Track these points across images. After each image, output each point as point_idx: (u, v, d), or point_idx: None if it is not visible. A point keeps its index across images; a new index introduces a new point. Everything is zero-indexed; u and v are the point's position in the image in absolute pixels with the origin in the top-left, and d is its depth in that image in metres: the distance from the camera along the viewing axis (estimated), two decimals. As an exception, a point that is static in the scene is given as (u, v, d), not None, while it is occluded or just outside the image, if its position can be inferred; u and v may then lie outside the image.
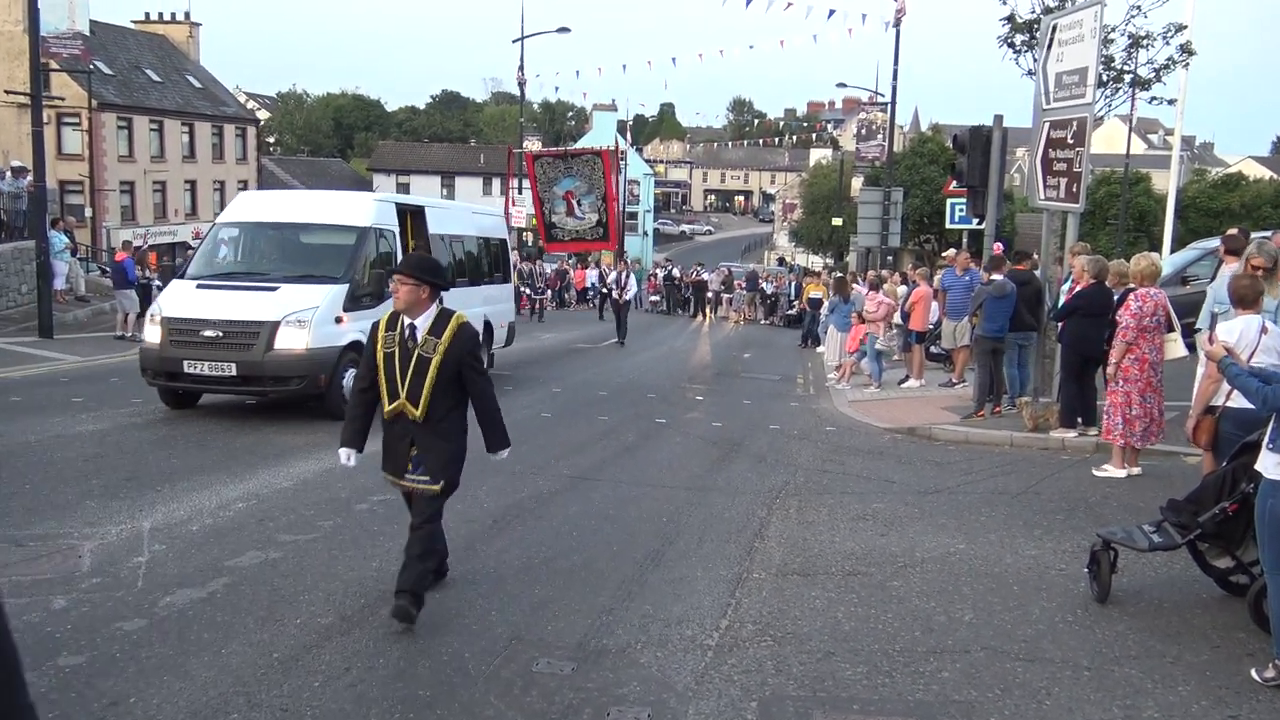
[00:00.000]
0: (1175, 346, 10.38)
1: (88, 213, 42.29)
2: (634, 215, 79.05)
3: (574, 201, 22.63)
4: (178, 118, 50.89)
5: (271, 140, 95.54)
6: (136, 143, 47.80)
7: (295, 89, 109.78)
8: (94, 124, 44.17)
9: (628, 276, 26.87)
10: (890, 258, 33.09)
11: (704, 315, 38.08)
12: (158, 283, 24.63)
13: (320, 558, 7.18)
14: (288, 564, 7.02)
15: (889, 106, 36.63)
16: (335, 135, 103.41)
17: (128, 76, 49.17)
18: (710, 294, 41.00)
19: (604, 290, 36.12)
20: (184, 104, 52.04)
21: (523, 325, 29.80)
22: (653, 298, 41.83)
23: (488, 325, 16.67)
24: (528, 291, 35.07)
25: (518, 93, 45.77)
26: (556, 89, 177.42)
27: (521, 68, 42.38)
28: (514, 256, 40.93)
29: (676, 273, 34.08)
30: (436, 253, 14.78)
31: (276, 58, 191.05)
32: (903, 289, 20.15)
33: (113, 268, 25.20)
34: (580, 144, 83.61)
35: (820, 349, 24.90)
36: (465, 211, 18.07)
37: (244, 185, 55.72)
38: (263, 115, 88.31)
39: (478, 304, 16.13)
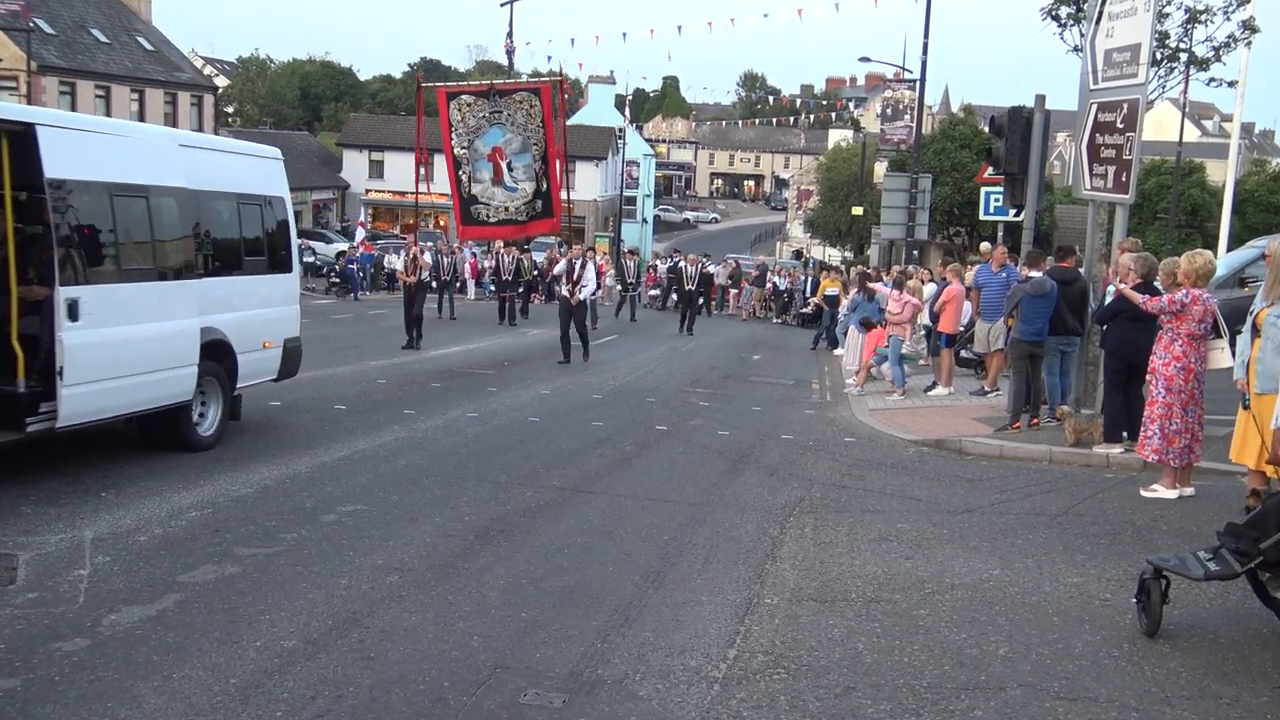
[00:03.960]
0: (1221, 355, 10.33)
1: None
2: (633, 200, 79.21)
3: (503, 163, 19.25)
4: (127, 83, 50.77)
5: (230, 110, 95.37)
6: (80, 111, 47.66)
7: (258, 54, 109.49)
8: (33, 89, 44.09)
9: (583, 266, 20.62)
10: (917, 252, 33.14)
11: (707, 313, 37.97)
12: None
13: (283, 574, 7.17)
14: (246, 580, 7.00)
15: (917, 84, 36.67)
16: (302, 106, 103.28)
17: (71, 36, 49.10)
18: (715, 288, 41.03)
19: (547, 285, 34.11)
20: (134, 68, 51.91)
21: (503, 324, 29.73)
22: (652, 291, 41.80)
23: (217, 348, 11.12)
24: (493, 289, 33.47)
25: (505, 62, 45.73)
26: (549, 58, 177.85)
27: (510, 34, 42.47)
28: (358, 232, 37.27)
29: (685, 264, 33.09)
30: (62, 214, 9.13)
31: (237, 19, 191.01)
32: (930, 287, 20.18)
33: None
34: (575, 120, 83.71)
35: (838, 351, 24.92)
36: (158, 143, 10.92)
37: (199, 159, 55.57)
38: (221, 82, 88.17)
39: (190, 312, 10.70)
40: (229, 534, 7.97)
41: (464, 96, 19.39)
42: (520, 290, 32.89)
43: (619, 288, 37.04)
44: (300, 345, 12.99)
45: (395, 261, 24.04)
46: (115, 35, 52.31)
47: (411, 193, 45.65)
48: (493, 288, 35.71)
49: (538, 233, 24.25)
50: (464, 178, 19.42)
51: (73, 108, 46.91)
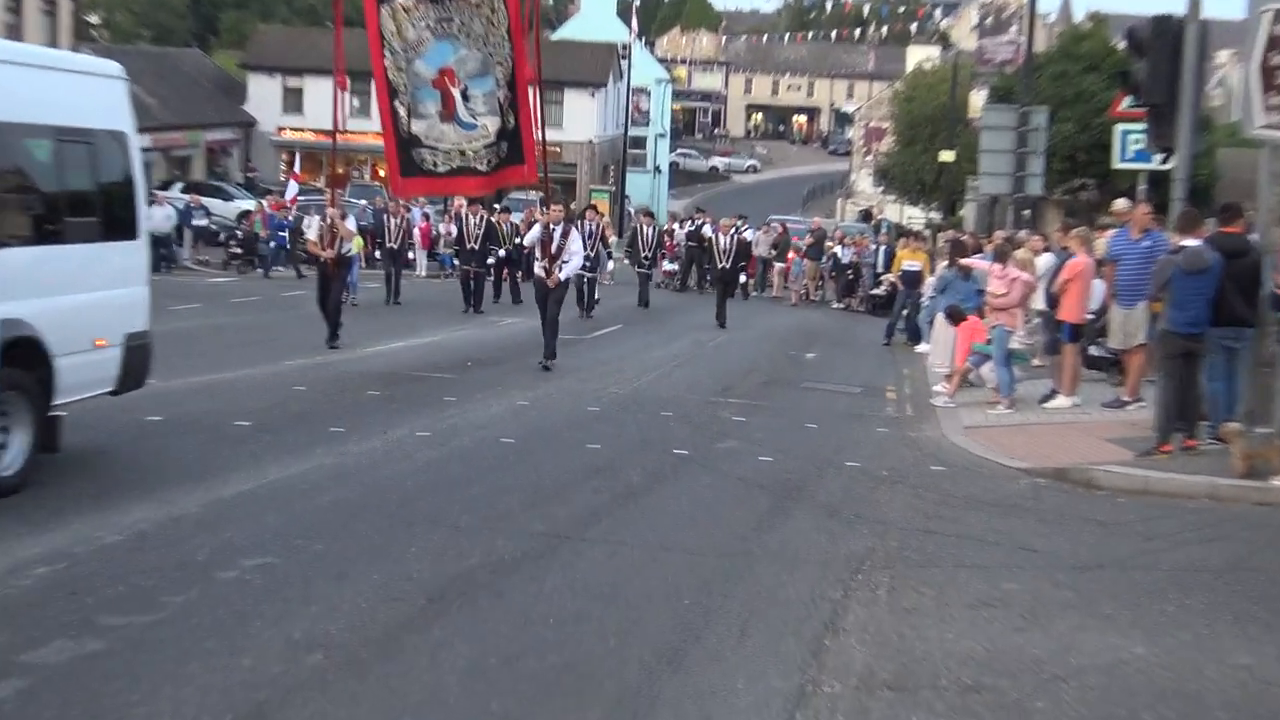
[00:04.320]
0: None
1: None
2: (641, 142, 79.21)
3: (455, 90, 18.67)
4: (-47, -16, 50.85)
5: (96, 20, 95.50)
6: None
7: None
8: None
9: (564, 234, 20.34)
10: (1028, 212, 33.06)
11: (744, 295, 37.93)
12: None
13: (165, 651, 7.14)
14: (115, 660, 6.97)
15: (1029, -17, 36.59)
16: (192, 15, 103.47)
17: (-120, -80, 49.16)
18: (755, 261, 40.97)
19: (514, 257, 32.38)
20: (-37, -37, 51.98)
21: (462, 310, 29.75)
22: (669, 266, 41.75)
23: (20, 350, 10.49)
24: (459, 265, 32.31)
25: (536, 16, 45.79)
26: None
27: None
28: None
29: (717, 232, 32.16)
30: None
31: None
32: (1046, 259, 20.10)
33: None
34: (562, 34, 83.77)
35: (921, 347, 24.87)
36: None
37: (53, 87, 55.69)
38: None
39: None
40: (90, 597, 7.92)
41: None
42: (491, 265, 32.41)
43: (632, 263, 36.07)
44: (150, 343, 12.50)
45: (308, 229, 23.07)
46: (-62, -82, 52.34)
47: (342, 131, 45.21)
48: (454, 261, 35.43)
49: (505, 185, 23.44)
50: (401, 111, 18.73)
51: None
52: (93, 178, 11.70)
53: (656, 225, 36.67)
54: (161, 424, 13.64)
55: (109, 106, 12.04)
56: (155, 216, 37.51)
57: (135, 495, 10.48)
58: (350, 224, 22.35)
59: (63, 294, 11.07)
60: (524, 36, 18.67)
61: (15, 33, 53.74)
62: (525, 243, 24.23)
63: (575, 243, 20.60)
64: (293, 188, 41.88)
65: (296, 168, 49.10)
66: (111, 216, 11.89)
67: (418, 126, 18.67)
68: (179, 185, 52.95)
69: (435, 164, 18.91)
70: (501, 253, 32.40)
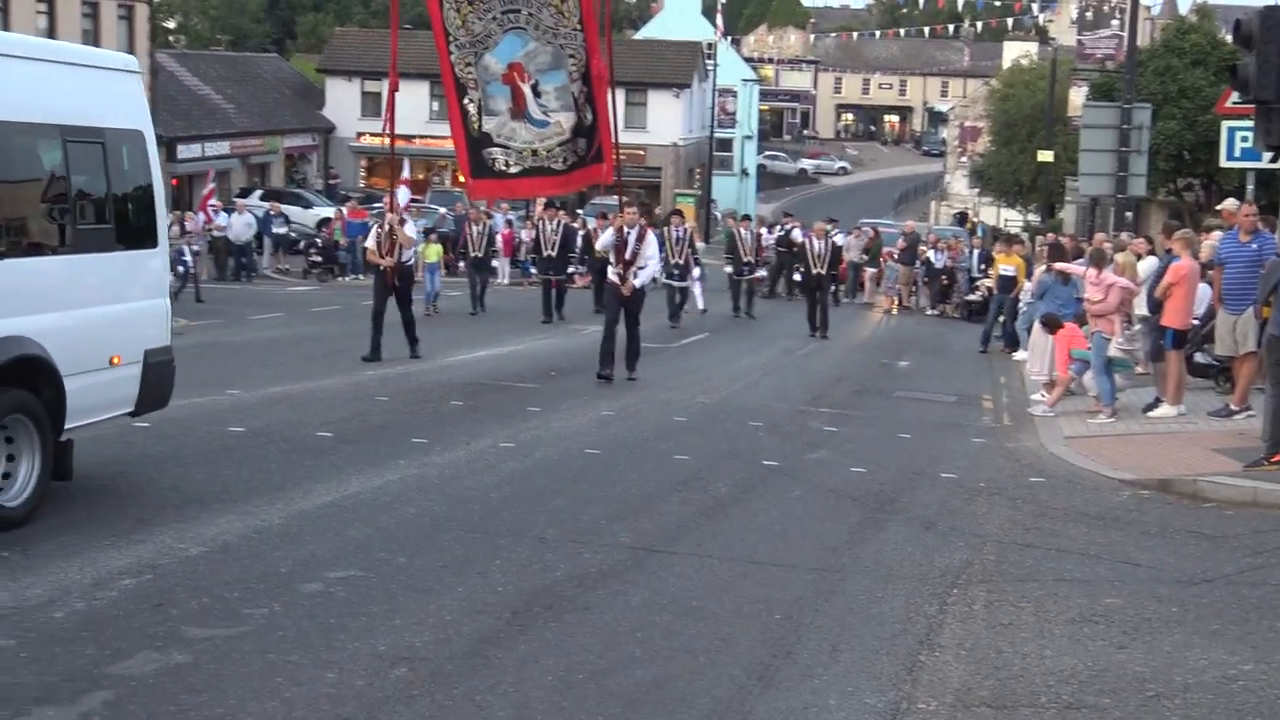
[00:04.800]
0: None
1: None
2: (728, 144, 79.14)
3: (525, 85, 18.38)
4: (32, -10, 51.78)
5: (172, 26, 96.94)
6: (-29, 29, 48.75)
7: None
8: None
9: (639, 239, 19.42)
10: (1131, 214, 32.72)
11: (835, 301, 37.75)
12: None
13: (249, 664, 7.26)
14: (199, 673, 7.09)
15: (1131, -25, 36.24)
16: (269, 18, 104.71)
17: (-42, -72, 50.16)
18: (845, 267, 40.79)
19: (581, 263, 32.50)
20: (42, -30, 52.91)
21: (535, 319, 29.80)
22: (758, 273, 41.59)
23: (27, 369, 9.95)
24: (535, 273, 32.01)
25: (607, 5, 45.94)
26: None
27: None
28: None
29: (811, 238, 31.09)
30: None
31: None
32: (1149, 263, 19.92)
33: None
34: (645, 34, 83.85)
35: (1019, 355, 24.72)
36: None
37: (131, 94, 56.49)
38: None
39: None
40: (175, 609, 8.07)
41: None
42: (571, 273, 32.20)
43: (732, 270, 34.64)
44: (172, 359, 11.97)
45: (368, 239, 22.46)
46: (17, -75, 53.29)
47: (421, 136, 44.79)
48: (532, 269, 35.37)
49: (583, 185, 22.83)
50: (471, 109, 18.41)
51: (-41, 24, 47.95)
52: (105, 181, 11.05)
53: (754, 230, 35.49)
54: (243, 435, 13.84)
55: (123, 103, 11.45)
56: (235, 224, 38.13)
57: (218, 507, 10.65)
58: (410, 230, 21.96)
59: (73, 308, 10.53)
60: (597, 28, 18.32)
61: (93, 39, 54.72)
62: (598, 248, 23.73)
63: (651, 247, 19.81)
64: (404, 194, 40.69)
65: (406, 172, 47.68)
66: (127, 223, 11.34)
67: (489, 124, 18.39)
68: (258, 193, 53.55)
69: (507, 164, 18.66)
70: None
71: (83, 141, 10.79)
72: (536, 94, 18.23)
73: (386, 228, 20.87)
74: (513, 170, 18.68)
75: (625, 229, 19.39)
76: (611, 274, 19.76)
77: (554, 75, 18.20)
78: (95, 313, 10.81)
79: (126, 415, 11.52)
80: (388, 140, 21.69)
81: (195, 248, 34.82)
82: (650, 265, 19.87)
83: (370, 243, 21.43)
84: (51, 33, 52.29)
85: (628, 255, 19.24)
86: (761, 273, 39.75)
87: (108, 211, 11.10)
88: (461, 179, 58.76)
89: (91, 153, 10.92)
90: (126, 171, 11.38)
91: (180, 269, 33.71)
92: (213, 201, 39.27)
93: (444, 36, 18.09)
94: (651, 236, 20.11)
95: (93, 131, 10.91)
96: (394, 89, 19.77)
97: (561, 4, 17.87)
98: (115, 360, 11.02)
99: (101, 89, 11.24)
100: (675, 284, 28.77)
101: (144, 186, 11.60)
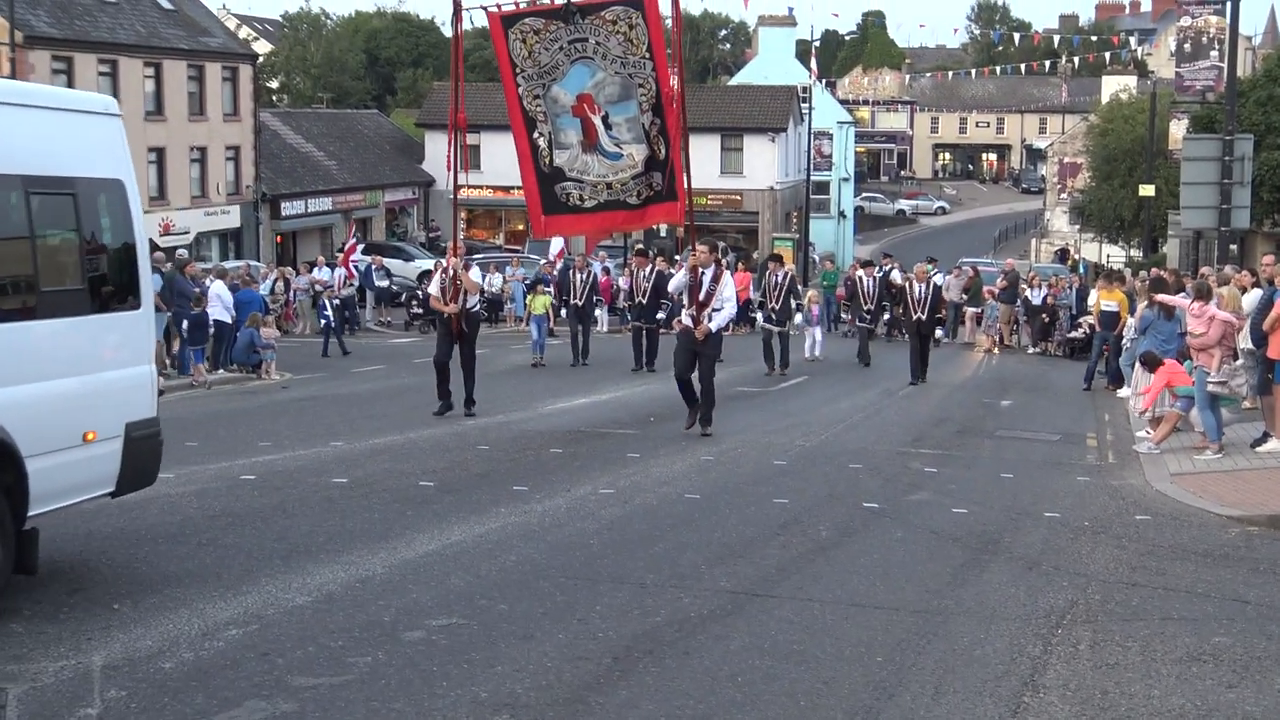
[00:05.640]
0: None
1: (11, 199, 44.40)
2: (824, 187, 79.06)
3: (596, 117, 17.85)
4: (139, 54, 52.89)
5: (275, 85, 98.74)
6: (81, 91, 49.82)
7: (308, 8, 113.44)
8: (19, 67, 46.30)
9: (715, 279, 18.53)
10: (1235, 246, 32.30)
11: (935, 343, 37.41)
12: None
13: (354, 712, 7.35)
14: (306, 721, 7.20)
15: (1227, 6, 35.88)
16: (369, 75, 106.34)
17: (67, -3, 51.49)
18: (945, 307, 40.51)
19: (637, 304, 29.68)
20: (147, 34, 54.13)
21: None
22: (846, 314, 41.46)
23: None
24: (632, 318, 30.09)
25: (678, 30, 46.08)
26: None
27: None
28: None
29: (898, 276, 30.20)
30: None
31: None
32: (1253, 296, 19.63)
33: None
34: (740, 79, 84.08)
35: (1123, 392, 24.43)
36: None
37: (234, 152, 57.67)
38: (262, 48, 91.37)
39: None
40: (281, 659, 8.20)
41: (528, 20, 17.56)
42: (661, 320, 31.14)
43: (852, 316, 33.42)
44: (159, 433, 10.90)
45: (430, 284, 21.75)
46: (124, -8, 54.59)
47: (520, 187, 44.66)
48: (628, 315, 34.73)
49: (655, 223, 22.09)
50: (541, 143, 17.95)
51: (69, 87, 48.94)
52: (77, 236, 10.05)
53: (876, 275, 34.07)
54: (347, 486, 14.00)
55: (99, 149, 10.40)
56: (338, 279, 38.62)
57: (323, 557, 10.80)
58: (475, 275, 20.91)
59: (37, 380, 9.46)
60: (665, 54, 17.68)
61: (198, 101, 55.91)
62: (670, 289, 22.54)
63: (727, 289, 18.71)
64: (556, 243, 39.65)
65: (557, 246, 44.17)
66: (103, 283, 10.34)
67: (560, 158, 17.99)
68: (360, 246, 54.27)
69: (581, 199, 18.21)
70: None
71: (49, 193, 9.80)
72: (607, 126, 17.77)
73: (450, 273, 19.96)
74: (588, 205, 18.28)
75: (699, 269, 18.43)
76: (685, 317, 18.81)
77: (624, 106, 17.70)
78: (65, 384, 9.70)
79: (106, 496, 10.44)
80: (514, 193, 20.86)
81: (336, 300, 35.43)
82: (727, 308, 18.76)
83: (434, 289, 20.62)
84: (158, 93, 53.57)
85: (702, 297, 18.31)
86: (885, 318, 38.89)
87: (79, 271, 10.09)
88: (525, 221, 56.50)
89: (60, 205, 9.92)
90: (103, 225, 10.40)
91: (322, 322, 34.42)
92: (355, 256, 39.82)
93: (510, 68, 17.73)
94: (728, 277, 19.18)
95: (61, 182, 9.89)
96: (455, 126, 19.25)
97: (630, 30, 17.26)
98: (89, 436, 9.92)
99: (74, 134, 10.23)
100: (775, 329, 28.43)
101: (124, 242, 10.57)
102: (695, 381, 18.59)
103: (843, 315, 41.10)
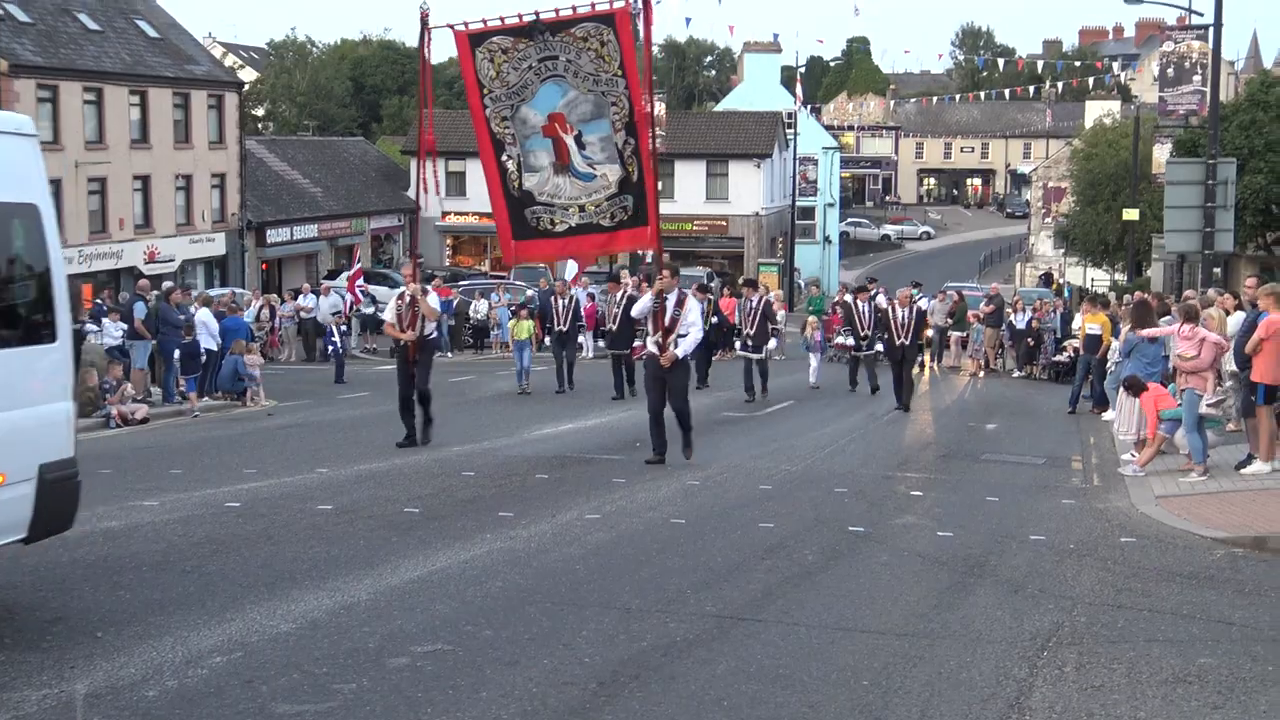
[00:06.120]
0: None
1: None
2: (810, 212, 79.28)
3: (568, 137, 17.53)
4: (124, 82, 52.97)
5: (260, 114, 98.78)
6: (65, 121, 49.87)
7: (295, 36, 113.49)
8: (4, 95, 46.32)
9: (679, 304, 17.76)
10: (1218, 270, 32.41)
11: (921, 368, 37.40)
12: (92, 329, 25.69)
13: (338, 739, 7.32)
14: (290, 748, 7.17)
15: (1210, 30, 36.08)
16: (354, 103, 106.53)
17: (52, 25, 51.54)
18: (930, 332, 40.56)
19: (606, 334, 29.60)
20: (133, 62, 54.23)
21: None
22: (839, 339, 41.44)
23: None
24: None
25: (648, 47, 46.22)
26: (688, 21, 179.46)
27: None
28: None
29: (894, 304, 29.20)
30: None
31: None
32: (1237, 318, 19.69)
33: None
34: (726, 105, 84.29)
35: (1107, 415, 24.47)
36: None
37: (220, 179, 57.71)
38: (248, 76, 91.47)
39: None
40: (265, 685, 8.16)
41: (495, 39, 17.15)
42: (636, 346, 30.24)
43: (851, 342, 32.44)
44: (75, 474, 10.02)
45: (385, 311, 21.07)
46: (109, 20, 54.75)
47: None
48: (600, 342, 33.96)
49: (626, 248, 21.25)
50: (510, 166, 17.61)
51: (54, 115, 49.20)
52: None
53: (873, 301, 32.90)
54: (332, 513, 13.97)
55: (11, 172, 9.63)
56: (322, 306, 38.70)
57: (307, 584, 10.76)
58: (433, 301, 20.02)
59: None
60: (638, 73, 17.32)
61: (184, 128, 56.00)
62: (634, 314, 21.11)
63: (692, 313, 17.93)
64: (571, 268, 38.87)
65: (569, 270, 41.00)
66: (13, 315, 9.64)
67: (530, 181, 17.68)
68: (345, 274, 54.35)
69: (552, 223, 17.88)
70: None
71: None
72: (580, 145, 17.42)
73: (407, 298, 19.30)
74: (558, 229, 17.96)
75: (664, 294, 17.61)
76: (650, 344, 18.09)
77: (597, 125, 17.34)
78: None
79: (17, 543, 9.61)
80: (466, 216, 20.72)
81: (344, 328, 35.47)
82: (692, 333, 17.87)
83: (388, 315, 19.89)
84: (143, 120, 53.64)
85: (666, 322, 17.54)
86: (842, 339, 38.55)
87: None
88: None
89: None
90: (14, 254, 9.70)
91: (330, 349, 34.45)
92: (360, 282, 39.95)
93: (478, 89, 17.39)
94: (693, 302, 18.38)
95: None
96: (426, 150, 19.18)
97: (601, 48, 16.92)
98: None
99: None
100: (751, 356, 28.21)
101: (37, 271, 9.82)
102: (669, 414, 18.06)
103: (833, 340, 40.92)
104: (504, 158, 17.75)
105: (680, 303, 17.73)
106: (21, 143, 9.85)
